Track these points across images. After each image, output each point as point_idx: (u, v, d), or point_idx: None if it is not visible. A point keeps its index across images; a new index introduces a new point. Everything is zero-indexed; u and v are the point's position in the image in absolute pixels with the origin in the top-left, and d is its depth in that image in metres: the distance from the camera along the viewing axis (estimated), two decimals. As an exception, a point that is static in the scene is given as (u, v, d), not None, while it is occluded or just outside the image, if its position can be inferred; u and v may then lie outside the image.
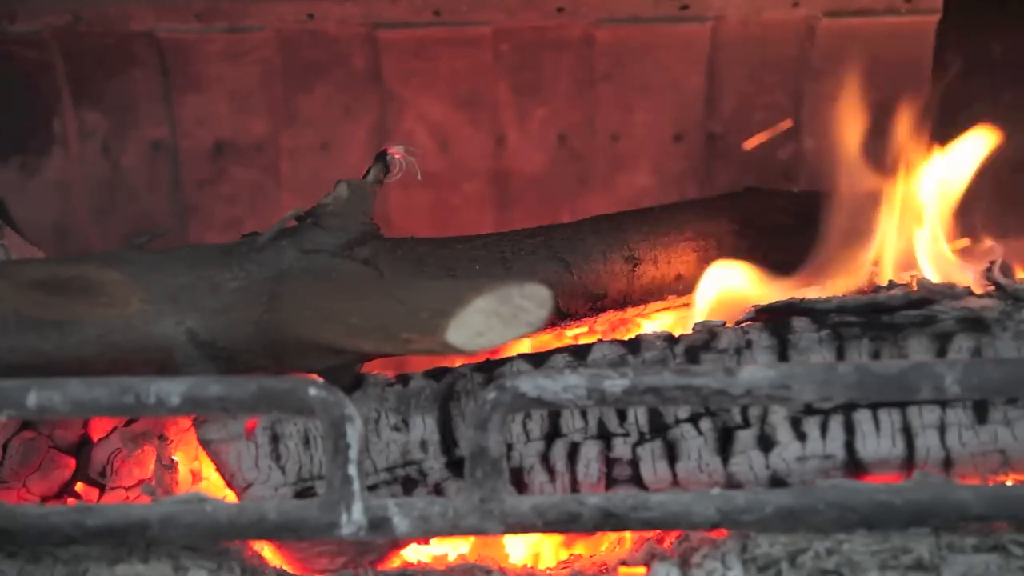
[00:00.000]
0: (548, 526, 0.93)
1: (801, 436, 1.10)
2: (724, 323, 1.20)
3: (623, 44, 1.81)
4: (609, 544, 1.20)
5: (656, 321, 1.49)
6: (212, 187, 1.89)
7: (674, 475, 1.12)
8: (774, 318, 1.18)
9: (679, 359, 1.15)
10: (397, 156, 1.24)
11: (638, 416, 1.12)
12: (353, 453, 0.90)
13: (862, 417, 1.09)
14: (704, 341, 1.16)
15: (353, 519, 0.91)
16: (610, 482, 1.13)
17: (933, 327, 1.13)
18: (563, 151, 1.89)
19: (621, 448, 1.12)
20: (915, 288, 1.20)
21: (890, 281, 1.30)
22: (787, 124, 1.41)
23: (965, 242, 1.44)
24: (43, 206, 1.86)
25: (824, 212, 1.39)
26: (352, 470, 0.90)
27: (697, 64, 1.83)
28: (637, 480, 1.12)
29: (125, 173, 1.87)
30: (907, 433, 1.09)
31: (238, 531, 0.94)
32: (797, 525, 0.94)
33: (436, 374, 1.19)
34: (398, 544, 1.14)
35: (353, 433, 0.89)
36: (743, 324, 1.19)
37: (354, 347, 1.08)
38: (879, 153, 1.44)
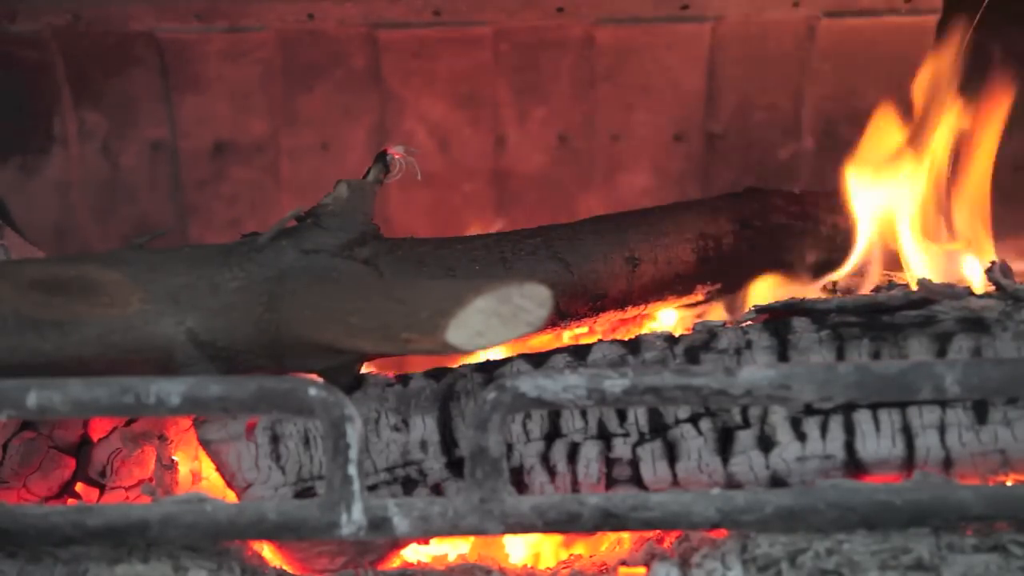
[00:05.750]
0: (548, 526, 0.93)
1: (801, 436, 1.10)
2: (724, 323, 1.20)
3: (623, 44, 1.81)
4: (609, 544, 1.20)
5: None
6: (212, 187, 1.89)
7: (674, 475, 1.12)
8: (774, 318, 1.18)
9: (679, 359, 1.15)
10: (397, 156, 1.24)
11: (638, 416, 1.12)
12: (353, 453, 0.90)
13: (862, 417, 1.09)
14: (704, 341, 1.16)
15: (353, 519, 0.91)
16: (610, 482, 1.13)
17: (933, 327, 1.13)
18: (563, 151, 1.89)
19: (621, 448, 1.12)
20: (915, 288, 1.20)
21: (890, 281, 1.30)
22: None
23: (965, 242, 1.44)
24: (43, 206, 1.86)
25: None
26: (352, 470, 0.90)
27: (697, 64, 1.83)
28: (637, 480, 1.12)
29: (125, 173, 1.87)
30: (907, 433, 1.09)
31: (238, 531, 0.94)
32: (797, 525, 0.94)
33: (436, 374, 1.19)
34: (398, 544, 1.14)
35: (353, 433, 0.89)
36: (743, 324, 1.19)
37: (354, 347, 1.08)
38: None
